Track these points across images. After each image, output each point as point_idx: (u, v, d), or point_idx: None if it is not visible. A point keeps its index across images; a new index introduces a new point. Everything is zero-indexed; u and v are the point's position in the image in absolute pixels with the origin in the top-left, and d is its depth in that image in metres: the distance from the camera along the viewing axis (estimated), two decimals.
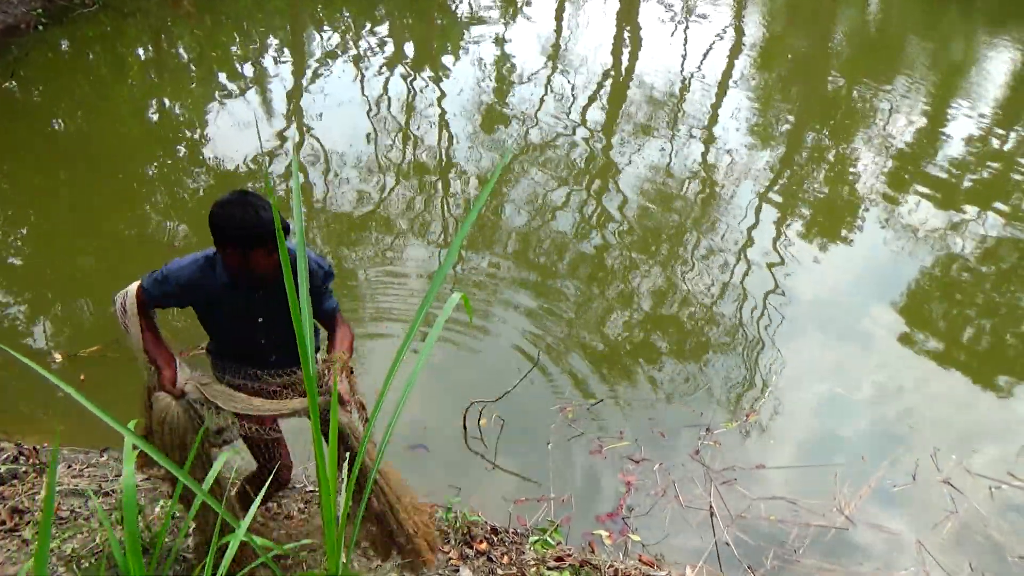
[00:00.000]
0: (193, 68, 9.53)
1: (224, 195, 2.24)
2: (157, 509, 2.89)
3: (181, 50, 10.22)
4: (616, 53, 9.67)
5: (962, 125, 7.34)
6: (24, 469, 3.15)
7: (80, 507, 2.89)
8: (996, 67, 9.00)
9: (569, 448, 3.73)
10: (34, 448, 3.38)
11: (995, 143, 6.99)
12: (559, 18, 11.26)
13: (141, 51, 10.14)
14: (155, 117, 8.00)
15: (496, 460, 3.68)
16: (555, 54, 9.55)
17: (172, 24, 10.75)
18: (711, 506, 3.42)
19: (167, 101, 8.34)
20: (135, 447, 1.86)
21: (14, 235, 5.73)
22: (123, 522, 2.35)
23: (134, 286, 2.40)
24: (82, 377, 4.07)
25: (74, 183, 6.42)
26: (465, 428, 3.81)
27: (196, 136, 7.42)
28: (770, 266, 5.10)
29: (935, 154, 6.66)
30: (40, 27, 9.62)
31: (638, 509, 3.43)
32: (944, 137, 7.07)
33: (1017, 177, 6.36)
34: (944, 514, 3.41)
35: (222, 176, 6.48)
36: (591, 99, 7.95)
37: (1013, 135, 7.15)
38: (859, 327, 4.58)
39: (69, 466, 3.28)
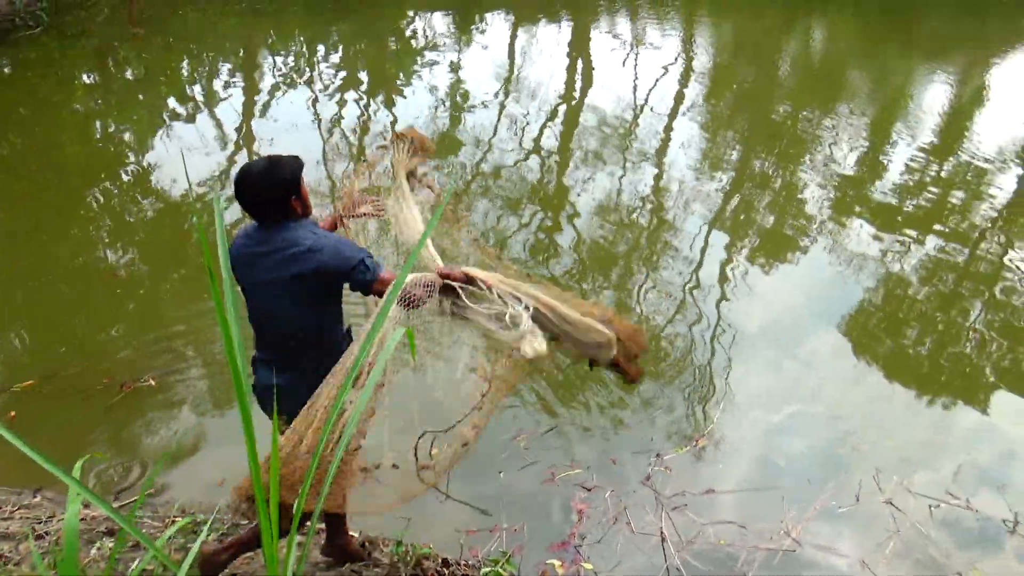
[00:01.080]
0: (141, 92, 9.37)
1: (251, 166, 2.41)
2: (93, 551, 2.78)
3: (128, 73, 10.06)
4: (569, 81, 9.81)
5: (903, 152, 7.61)
6: None
7: (11, 551, 2.77)
8: (934, 96, 9.38)
9: (522, 477, 3.72)
10: None
11: (934, 169, 7.26)
12: (512, 46, 11.39)
13: (86, 74, 9.94)
14: (100, 141, 7.84)
15: (448, 490, 3.64)
16: (509, 81, 9.65)
17: (119, 47, 10.58)
18: (662, 532, 3.43)
19: (113, 124, 8.18)
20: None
21: None
22: (59, 566, 2.27)
23: (387, 273, 2.48)
24: (12, 414, 3.92)
25: (11, 210, 6.23)
26: (416, 458, 3.76)
27: (143, 160, 7.28)
28: (721, 288, 5.19)
29: (877, 180, 6.89)
30: None
31: (590, 537, 3.42)
32: (886, 163, 7.32)
33: (954, 201, 6.61)
34: (887, 534, 3.48)
35: (169, 201, 6.36)
36: (544, 126, 8.04)
37: (951, 161, 7.43)
38: (804, 350, 4.69)
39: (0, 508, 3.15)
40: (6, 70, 9.43)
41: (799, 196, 6.55)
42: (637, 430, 4.03)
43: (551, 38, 11.99)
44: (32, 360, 4.44)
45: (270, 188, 2.38)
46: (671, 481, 3.72)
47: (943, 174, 7.17)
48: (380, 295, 2.47)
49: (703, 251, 5.70)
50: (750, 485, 3.74)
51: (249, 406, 1.83)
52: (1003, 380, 4.48)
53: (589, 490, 3.66)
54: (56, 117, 8.32)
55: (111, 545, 2.77)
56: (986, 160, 7.42)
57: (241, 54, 10.95)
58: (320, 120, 8.27)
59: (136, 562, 2.74)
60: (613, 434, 4.01)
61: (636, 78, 9.69)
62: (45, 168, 7.04)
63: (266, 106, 8.78)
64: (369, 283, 2.46)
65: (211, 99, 8.95)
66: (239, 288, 2.46)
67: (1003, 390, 4.39)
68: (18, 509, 3.14)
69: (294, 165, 2.42)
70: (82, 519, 3.00)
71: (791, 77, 10.27)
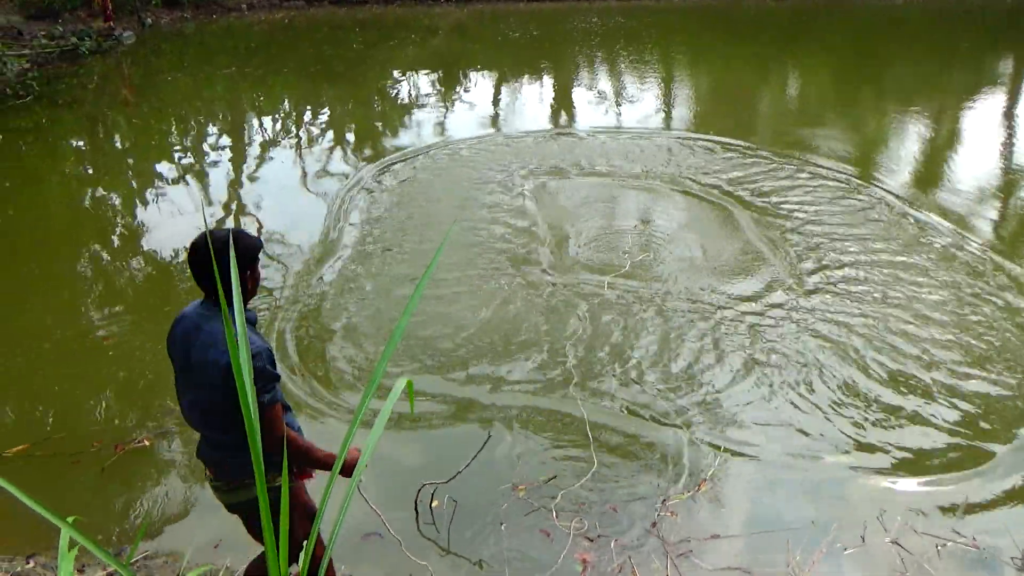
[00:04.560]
0: (131, 156, 9.47)
1: (214, 231, 2.39)
2: None
3: (118, 139, 10.18)
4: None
5: (882, 192, 7.75)
6: None
7: None
8: (909, 140, 9.65)
9: (523, 527, 3.67)
10: None
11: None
12: (496, 103, 11.65)
13: (76, 141, 10.04)
14: (88, 207, 7.88)
15: (449, 544, 3.58)
16: (496, 126, 9.81)
17: (109, 113, 10.73)
18: None
19: (102, 190, 8.23)
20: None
21: None
22: None
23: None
24: None
25: (0, 277, 6.22)
26: (417, 512, 3.72)
27: (132, 224, 7.31)
28: (716, 328, 5.21)
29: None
30: None
31: None
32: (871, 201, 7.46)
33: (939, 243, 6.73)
34: (895, 575, 3.45)
35: (158, 265, 6.37)
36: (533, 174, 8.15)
37: (925, 201, 7.57)
38: (806, 387, 4.69)
39: None
40: None
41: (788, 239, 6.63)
42: (638, 476, 4.00)
43: (534, 93, 12.30)
44: (23, 425, 4.37)
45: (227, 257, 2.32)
46: (675, 527, 3.68)
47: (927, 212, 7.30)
48: (266, 428, 2.36)
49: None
50: (754, 528, 3.70)
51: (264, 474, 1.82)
52: (999, 412, 4.49)
53: (592, 540, 3.61)
54: (45, 184, 8.38)
55: None
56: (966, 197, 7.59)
57: (229, 118, 11.14)
58: (307, 178, 8.37)
59: None
60: (614, 480, 3.97)
61: (619, 129, 9.90)
62: (34, 233, 7.05)
63: (255, 167, 8.89)
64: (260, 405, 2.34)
65: (200, 162, 9.06)
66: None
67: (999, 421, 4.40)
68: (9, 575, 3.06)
69: (254, 241, 2.43)
70: None
71: (768, 124, 10.53)
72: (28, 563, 3.23)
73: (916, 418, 4.41)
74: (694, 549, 3.56)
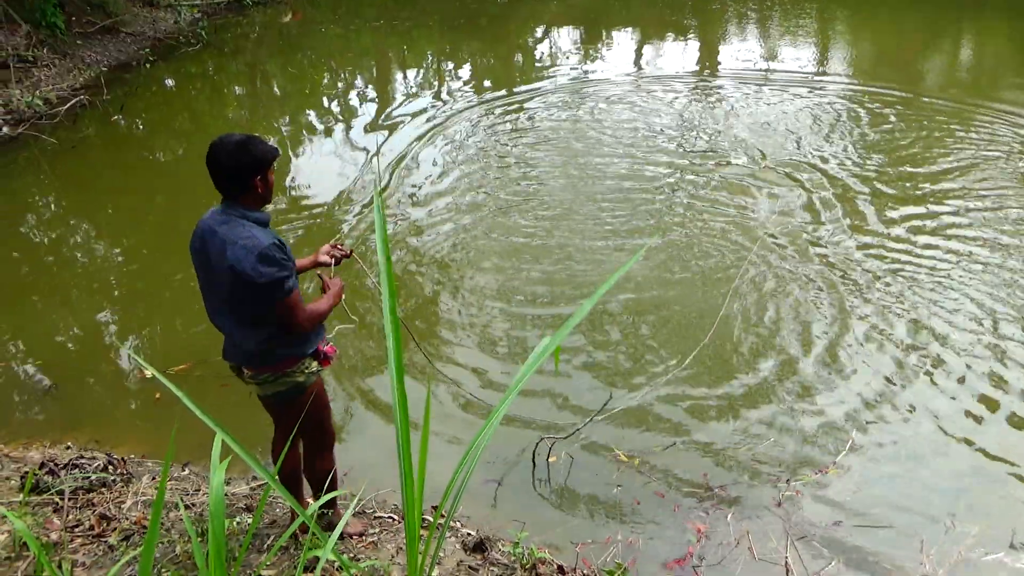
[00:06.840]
0: (285, 103, 10.01)
1: (229, 135, 2.50)
2: (233, 524, 2.97)
3: (275, 86, 10.76)
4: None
5: None
6: (112, 478, 3.30)
7: (161, 518, 3.00)
8: None
9: (637, 490, 3.66)
10: (122, 459, 3.54)
11: None
12: (638, 62, 11.35)
13: (238, 87, 10.70)
14: None
15: (563, 497, 3.64)
16: (636, 94, 9.58)
17: (267, 62, 11.37)
18: (787, 562, 3.28)
19: (259, 133, 8.75)
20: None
21: (111, 256, 6.08)
22: (205, 534, 2.44)
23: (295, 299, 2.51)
24: (157, 395, 4.28)
25: (170, 210, 6.80)
26: (534, 464, 3.79)
27: (283, 168, 7.75)
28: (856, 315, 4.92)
29: None
30: (148, 64, 10.34)
31: (709, 558, 3.32)
32: None
33: None
34: None
35: (306, 206, 6.74)
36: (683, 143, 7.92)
37: None
38: (966, 380, 4.36)
39: (153, 478, 3.42)
40: (169, 83, 10.32)
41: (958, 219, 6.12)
42: (763, 453, 3.88)
43: (677, 53, 11.88)
44: (186, 344, 4.80)
45: (239, 160, 2.43)
46: (797, 509, 3.56)
47: None
48: (283, 319, 2.49)
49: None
50: (885, 519, 3.51)
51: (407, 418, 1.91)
52: None
53: (707, 513, 3.56)
54: (209, 126, 9.03)
55: (249, 520, 2.95)
56: None
57: (374, 70, 11.50)
58: (446, 134, 8.53)
59: (271, 538, 2.90)
60: (733, 455, 3.88)
61: (765, 83, 9.39)
62: (200, 168, 7.62)
63: (394, 115, 9.16)
64: (278, 301, 2.46)
65: (347, 111, 9.45)
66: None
67: None
68: (169, 480, 3.40)
69: (269, 148, 2.50)
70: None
71: (935, 86, 9.65)
72: (184, 469, 3.58)
73: None
74: (816, 533, 3.43)
